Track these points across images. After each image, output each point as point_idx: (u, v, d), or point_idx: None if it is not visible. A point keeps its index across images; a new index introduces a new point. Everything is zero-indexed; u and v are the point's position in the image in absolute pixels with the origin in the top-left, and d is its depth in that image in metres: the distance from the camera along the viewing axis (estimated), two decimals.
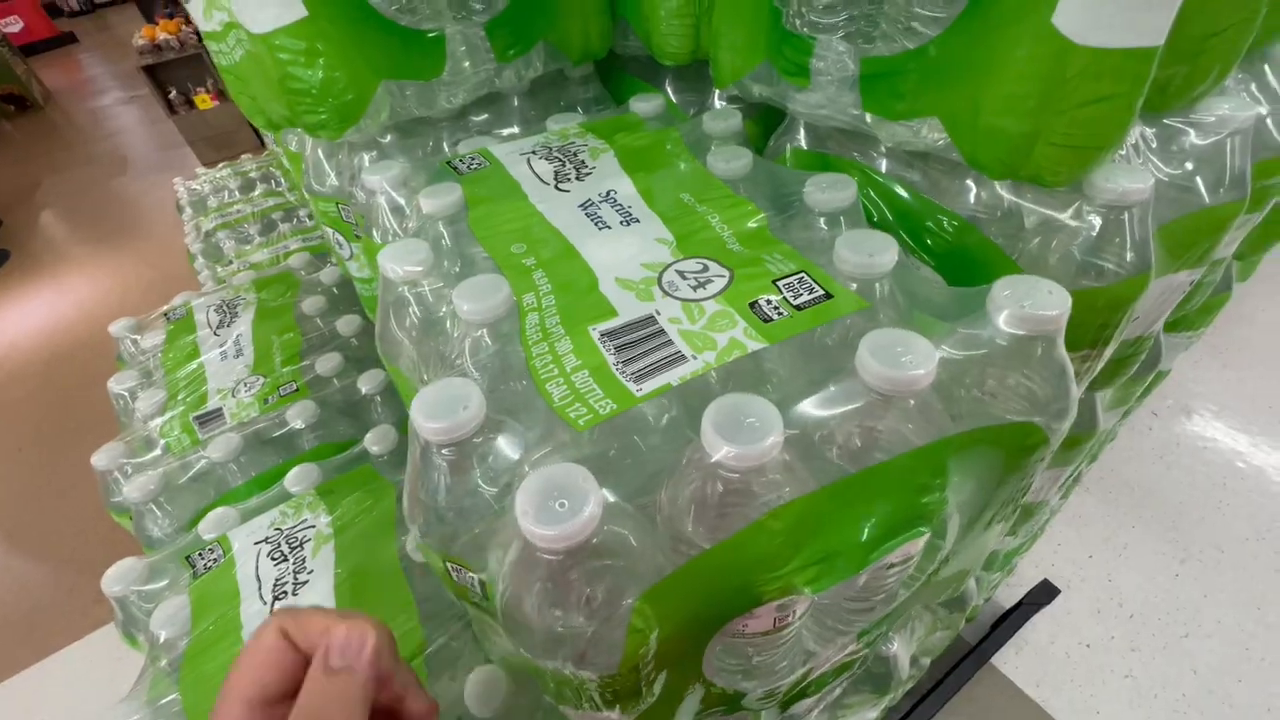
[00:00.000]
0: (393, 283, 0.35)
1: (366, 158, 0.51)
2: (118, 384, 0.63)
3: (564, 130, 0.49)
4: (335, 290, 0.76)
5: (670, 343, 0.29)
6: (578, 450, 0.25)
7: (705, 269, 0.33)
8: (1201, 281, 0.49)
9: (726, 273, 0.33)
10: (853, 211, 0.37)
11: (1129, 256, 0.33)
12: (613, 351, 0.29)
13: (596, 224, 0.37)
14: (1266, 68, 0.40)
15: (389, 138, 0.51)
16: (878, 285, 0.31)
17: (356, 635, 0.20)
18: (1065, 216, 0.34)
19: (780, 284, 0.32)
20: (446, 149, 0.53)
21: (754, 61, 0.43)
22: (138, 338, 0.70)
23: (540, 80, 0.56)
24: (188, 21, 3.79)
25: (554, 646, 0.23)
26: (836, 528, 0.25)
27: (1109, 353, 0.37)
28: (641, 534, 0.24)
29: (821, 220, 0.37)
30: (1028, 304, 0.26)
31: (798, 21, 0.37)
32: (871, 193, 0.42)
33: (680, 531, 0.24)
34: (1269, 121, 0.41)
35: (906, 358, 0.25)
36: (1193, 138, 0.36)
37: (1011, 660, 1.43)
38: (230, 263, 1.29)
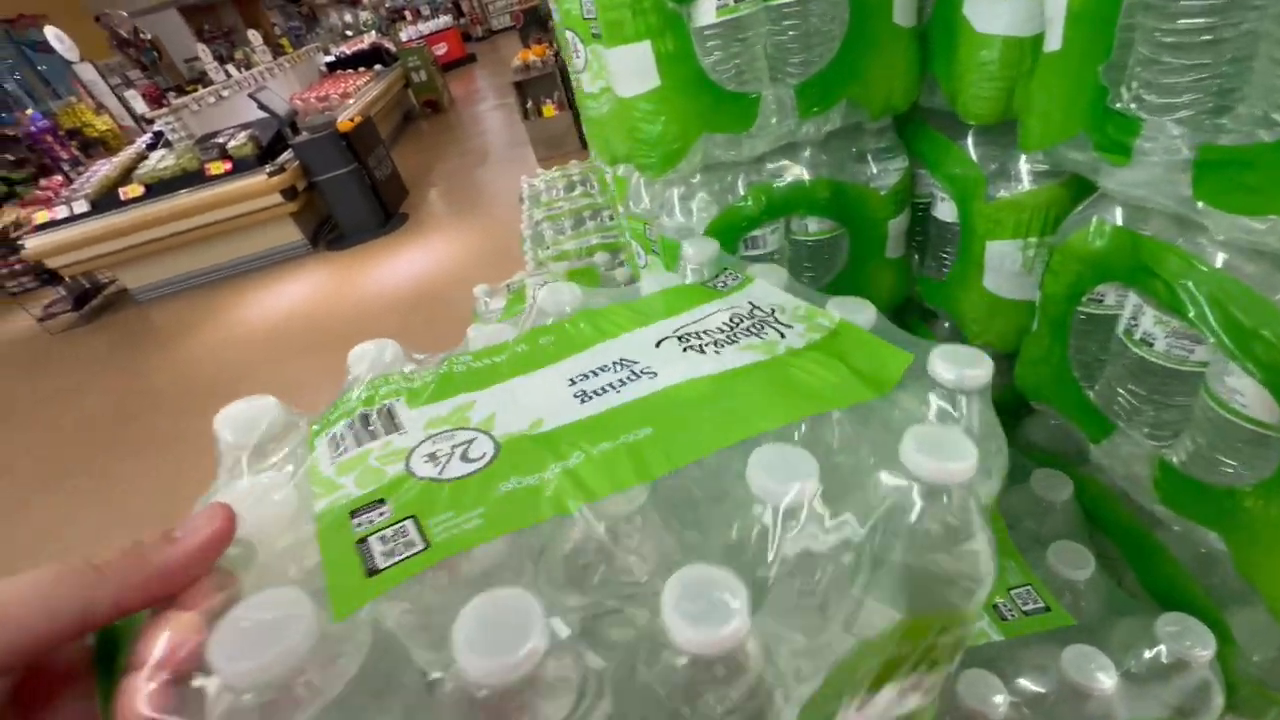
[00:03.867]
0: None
1: (676, 192, 0.63)
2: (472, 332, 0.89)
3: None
4: (623, 286, 0.93)
5: None
6: None
7: None
8: None
9: None
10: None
11: None
12: None
13: None
14: None
15: (697, 177, 0.62)
16: None
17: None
18: None
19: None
20: (740, 187, 0.62)
21: (1069, 132, 0.41)
22: (489, 300, 0.96)
23: (835, 129, 0.60)
24: (550, 46, 4.70)
25: None
26: None
27: None
28: None
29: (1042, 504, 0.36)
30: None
31: (1130, 103, 0.36)
32: (1192, 285, 0.37)
33: None
34: None
35: None
36: None
37: None
38: (548, 248, 1.61)
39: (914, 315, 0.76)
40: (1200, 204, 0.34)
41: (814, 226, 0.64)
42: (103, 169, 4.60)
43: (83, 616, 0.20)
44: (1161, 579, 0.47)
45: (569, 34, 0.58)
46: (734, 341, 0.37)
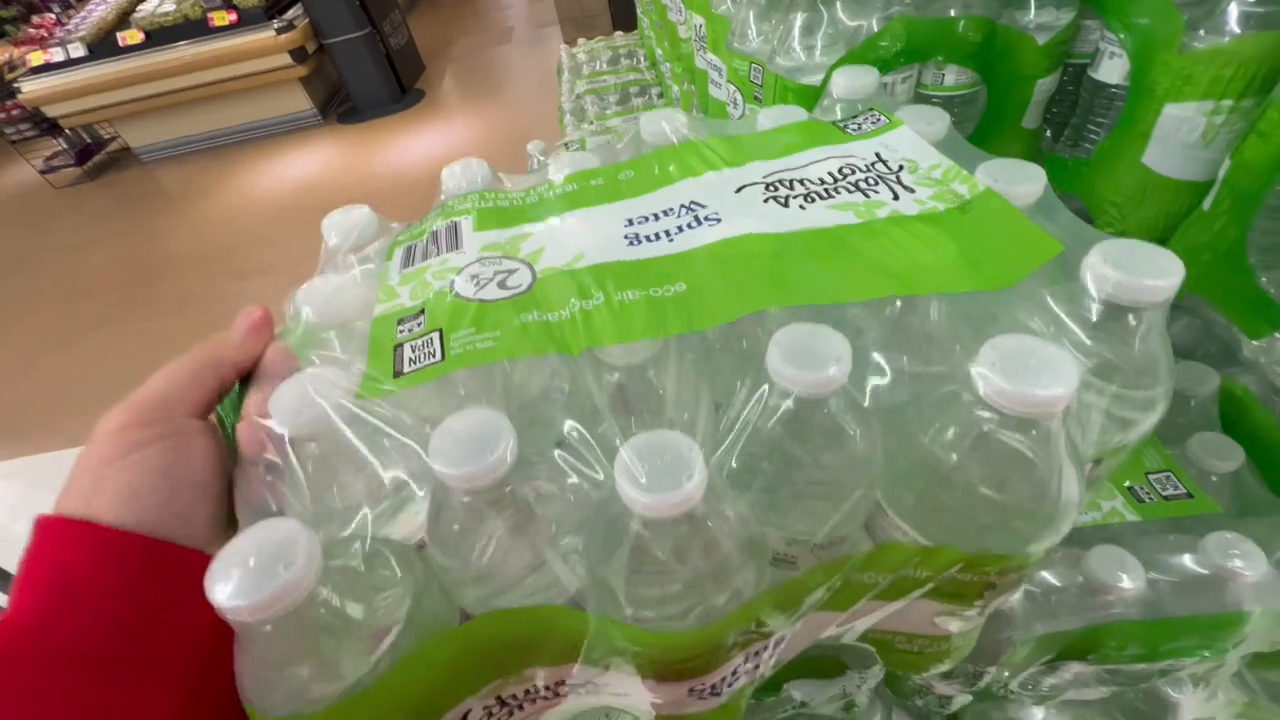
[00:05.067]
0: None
1: (799, 20, 0.54)
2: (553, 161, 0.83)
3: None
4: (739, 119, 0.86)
5: None
6: None
7: None
8: None
9: None
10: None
11: None
12: None
13: None
14: None
15: (834, 7, 0.53)
16: None
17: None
18: None
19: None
20: (875, 23, 0.53)
21: None
22: (542, 158, 0.88)
23: None
24: None
25: None
26: None
27: None
28: None
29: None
30: None
31: None
32: None
33: None
34: None
35: None
36: None
37: None
38: (591, 123, 1.49)
39: None
40: None
41: (951, 79, 0.55)
42: (98, 9, 4.26)
43: (217, 375, 0.28)
44: None
45: None
46: (829, 197, 0.31)
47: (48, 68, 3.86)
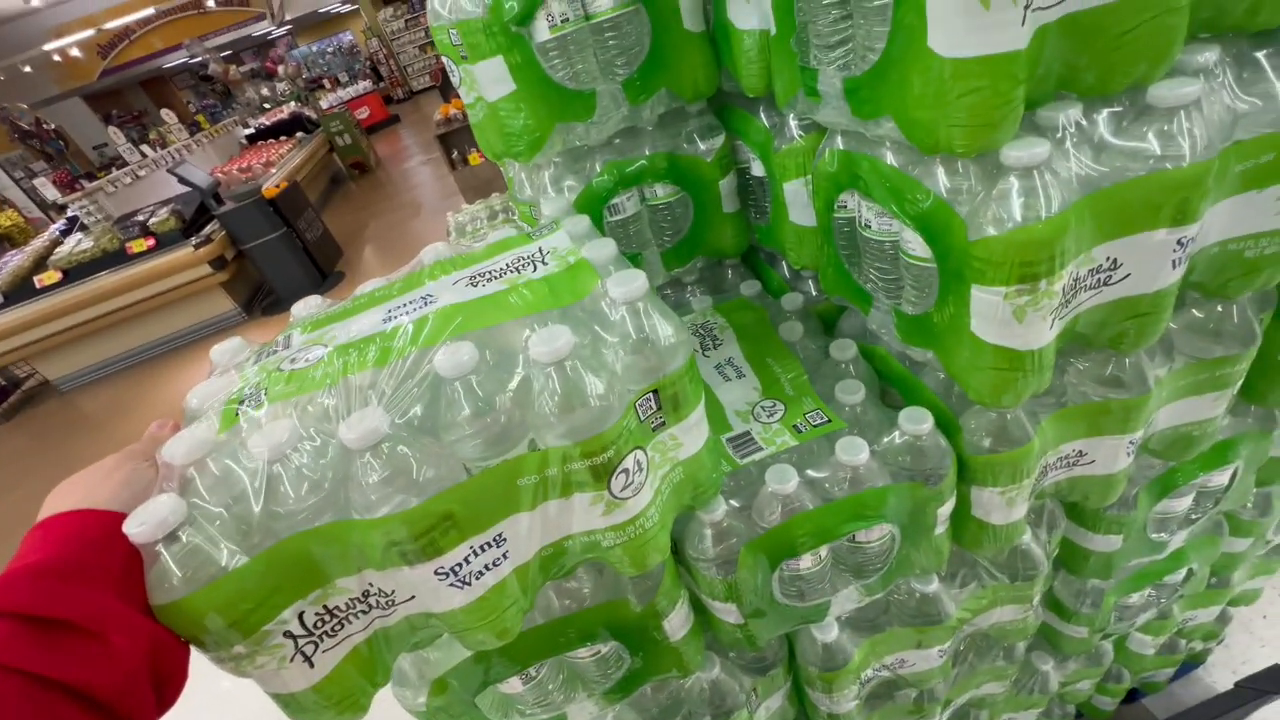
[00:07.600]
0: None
1: (548, 175, 0.78)
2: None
3: (702, 311, 0.87)
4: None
5: (756, 443, 0.62)
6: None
7: (774, 405, 0.68)
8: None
9: (783, 407, 0.67)
10: (856, 363, 0.70)
11: (1044, 205, 0.42)
12: (731, 447, 0.59)
13: (725, 377, 0.73)
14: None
15: (560, 160, 0.78)
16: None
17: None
18: (993, 182, 0.44)
19: (807, 415, 0.66)
20: (598, 166, 0.78)
21: (794, 89, 0.59)
22: None
23: (666, 114, 0.78)
24: None
25: None
26: None
27: (1051, 286, 0.45)
28: None
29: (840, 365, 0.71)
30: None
31: (809, 59, 0.54)
32: (873, 177, 0.55)
33: None
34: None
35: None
36: (1135, 113, 0.43)
37: None
38: None
39: (759, 258, 0.94)
40: (855, 118, 0.51)
41: (661, 191, 0.80)
42: (14, 259, 4.47)
43: (157, 444, 0.46)
44: (923, 404, 0.64)
45: (445, 59, 0.74)
46: (498, 278, 0.53)
47: None
